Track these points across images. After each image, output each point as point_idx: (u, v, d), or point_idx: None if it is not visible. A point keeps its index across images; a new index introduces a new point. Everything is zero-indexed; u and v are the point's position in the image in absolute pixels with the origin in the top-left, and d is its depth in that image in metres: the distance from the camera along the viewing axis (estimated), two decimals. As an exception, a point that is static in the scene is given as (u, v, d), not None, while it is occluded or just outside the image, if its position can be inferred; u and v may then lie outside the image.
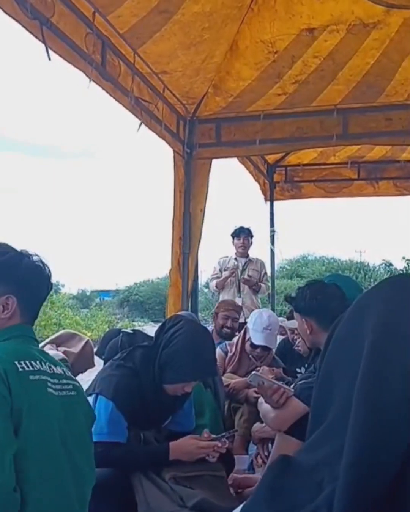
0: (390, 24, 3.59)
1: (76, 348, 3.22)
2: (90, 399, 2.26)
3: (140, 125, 3.77)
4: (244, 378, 3.43)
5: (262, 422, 2.70)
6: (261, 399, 2.50)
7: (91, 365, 3.31)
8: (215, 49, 3.80)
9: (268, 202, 6.63)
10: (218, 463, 2.34)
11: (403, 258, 21.13)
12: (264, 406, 2.44)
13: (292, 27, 3.68)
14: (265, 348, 3.54)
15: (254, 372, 2.53)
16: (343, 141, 4.67)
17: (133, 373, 2.25)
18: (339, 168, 6.44)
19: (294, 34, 3.72)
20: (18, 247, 1.68)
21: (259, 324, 3.49)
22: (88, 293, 30.36)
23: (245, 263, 5.59)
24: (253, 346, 3.53)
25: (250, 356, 3.62)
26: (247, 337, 3.59)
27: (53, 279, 1.78)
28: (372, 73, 4.00)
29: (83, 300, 27.22)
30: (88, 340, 3.32)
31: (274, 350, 3.73)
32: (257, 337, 3.48)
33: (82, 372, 3.31)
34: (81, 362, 3.25)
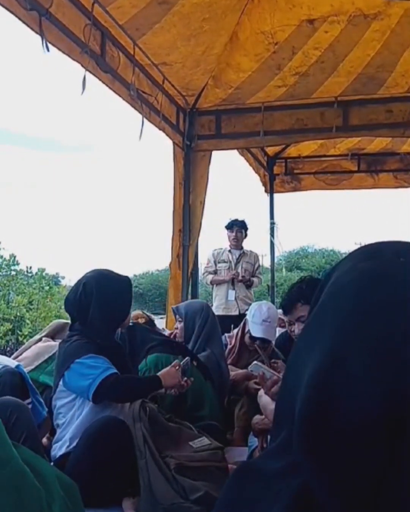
0: (390, 15, 3.58)
1: None
2: (70, 373, 2.31)
3: (141, 129, 3.77)
4: (244, 370, 3.44)
5: (261, 414, 2.71)
6: (261, 392, 2.50)
7: None
8: (214, 40, 3.78)
9: (268, 194, 6.63)
10: (221, 454, 2.41)
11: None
12: (263, 398, 2.44)
13: (292, 18, 3.66)
14: (264, 341, 3.54)
15: (255, 361, 2.52)
16: (343, 133, 4.67)
17: (84, 336, 2.38)
18: (339, 160, 6.43)
19: (294, 25, 3.71)
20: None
21: (258, 316, 3.48)
22: (88, 285, 30.32)
23: (239, 255, 5.55)
24: (252, 338, 3.52)
25: (249, 348, 3.63)
26: (246, 329, 3.59)
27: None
28: (373, 65, 3.99)
29: (83, 292, 27.15)
30: None
31: (273, 343, 3.73)
32: (256, 330, 3.47)
33: None
34: None
